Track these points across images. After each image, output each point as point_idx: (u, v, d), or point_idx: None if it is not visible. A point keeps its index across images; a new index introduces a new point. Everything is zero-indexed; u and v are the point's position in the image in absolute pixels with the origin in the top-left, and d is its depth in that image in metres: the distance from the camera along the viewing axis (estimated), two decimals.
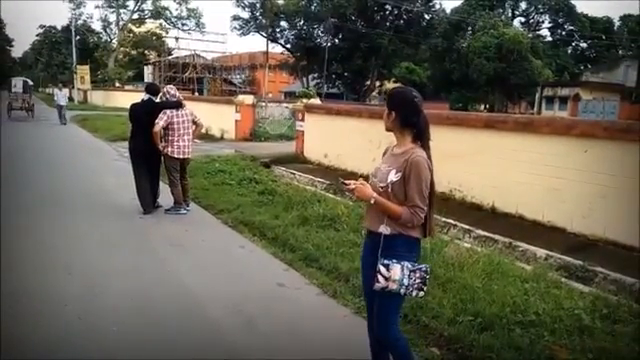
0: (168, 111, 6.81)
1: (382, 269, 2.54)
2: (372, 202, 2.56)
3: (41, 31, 58.06)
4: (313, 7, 44.08)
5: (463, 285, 4.09)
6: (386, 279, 2.53)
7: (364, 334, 2.98)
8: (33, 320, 3.67)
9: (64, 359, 3.20)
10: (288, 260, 5.11)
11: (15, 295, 4.04)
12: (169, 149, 6.89)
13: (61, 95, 23.59)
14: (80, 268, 4.74)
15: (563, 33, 46.70)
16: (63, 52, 52.78)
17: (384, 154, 2.84)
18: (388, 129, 2.83)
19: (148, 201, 6.89)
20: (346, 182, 2.66)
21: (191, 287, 4.45)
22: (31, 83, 29.05)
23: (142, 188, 6.89)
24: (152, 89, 7.21)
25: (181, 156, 6.99)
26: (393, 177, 2.58)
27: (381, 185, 2.61)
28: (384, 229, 2.60)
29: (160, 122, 6.70)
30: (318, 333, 3.70)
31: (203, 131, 8.97)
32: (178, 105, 6.93)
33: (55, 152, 13.25)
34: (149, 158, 6.86)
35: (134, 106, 7.04)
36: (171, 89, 7.17)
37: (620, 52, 47.72)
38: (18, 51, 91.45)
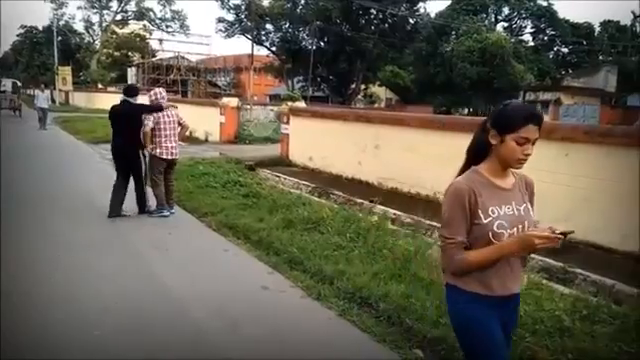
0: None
1: None
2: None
3: (22, 31, 57.27)
4: (298, 10, 44.09)
5: None
6: None
7: (348, 336, 2.99)
8: (13, 324, 3.61)
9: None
10: (272, 263, 5.10)
11: None
12: (157, 150, 6.91)
13: (42, 97, 21.26)
14: (62, 271, 4.68)
15: (545, 38, 47.34)
16: (44, 53, 52.04)
17: (466, 193, 2.03)
18: (477, 151, 2.15)
19: (116, 206, 6.73)
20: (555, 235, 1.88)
21: (175, 290, 4.42)
22: (20, 84, 31.12)
23: (115, 190, 6.80)
24: (129, 91, 7.13)
25: (169, 157, 7.02)
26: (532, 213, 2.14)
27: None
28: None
29: (149, 123, 6.78)
30: (302, 335, 3.70)
31: (187, 133, 8.93)
32: (158, 109, 6.91)
33: (36, 155, 13.05)
34: (127, 160, 6.83)
35: (113, 108, 7.02)
36: (162, 91, 7.20)
37: (600, 57, 48.53)
38: None
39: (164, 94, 7.20)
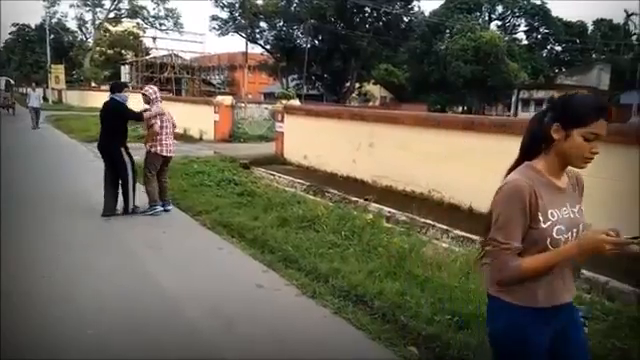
0: (157, 109, 6.93)
1: None
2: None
3: (14, 29, 56.89)
4: (292, 8, 44.03)
5: (441, 284, 4.13)
6: None
7: (343, 334, 2.99)
8: (8, 323, 3.59)
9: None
10: (267, 261, 5.09)
11: None
12: (158, 147, 6.98)
13: (34, 96, 21.01)
14: (55, 270, 4.66)
15: (538, 37, 47.59)
16: (37, 51, 51.73)
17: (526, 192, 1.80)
18: (531, 147, 1.92)
19: (109, 205, 6.72)
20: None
21: (169, 289, 4.41)
22: (13, 82, 32.44)
23: (107, 188, 6.78)
24: (114, 87, 7.10)
25: (168, 154, 7.13)
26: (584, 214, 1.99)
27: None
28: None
29: (157, 122, 6.88)
30: (297, 334, 3.70)
31: (181, 132, 8.97)
32: (139, 118, 6.95)
33: (30, 154, 12.97)
34: (111, 158, 6.80)
35: (103, 105, 7.04)
36: (155, 89, 7.23)
37: (593, 56, 48.85)
38: None
39: (157, 92, 7.19)
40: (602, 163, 5.32)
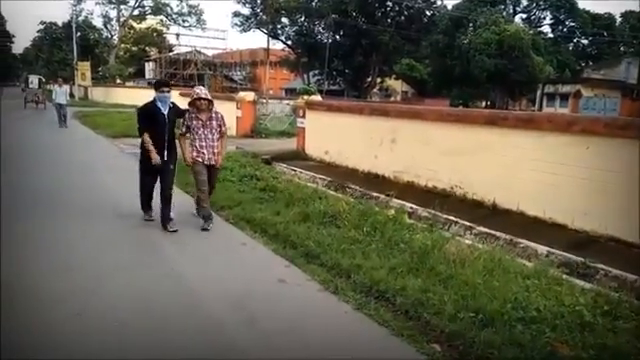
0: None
1: None
2: None
3: (42, 27, 57.96)
4: (314, 3, 43.98)
5: (464, 281, 4.10)
6: None
7: (364, 330, 2.99)
8: (32, 317, 3.68)
9: (63, 355, 3.20)
10: (289, 257, 5.11)
11: (14, 292, 4.05)
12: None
13: (60, 92, 19.81)
14: (80, 265, 4.75)
15: (564, 30, 46.61)
16: (64, 48, 52.61)
17: None
18: None
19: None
20: None
21: (192, 284, 4.46)
22: (43, 80, 36.74)
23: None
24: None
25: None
26: None
27: None
28: None
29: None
30: (319, 329, 3.71)
31: None
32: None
33: (57, 149, 13.22)
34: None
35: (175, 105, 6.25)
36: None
37: (621, 49, 47.64)
38: (19, 47, 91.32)
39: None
40: (623, 158, 5.19)
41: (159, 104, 5.95)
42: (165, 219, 6.00)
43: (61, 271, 4.57)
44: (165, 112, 5.96)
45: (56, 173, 9.59)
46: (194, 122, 6.16)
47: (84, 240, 5.56)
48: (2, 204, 6.62)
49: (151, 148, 5.87)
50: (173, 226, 5.95)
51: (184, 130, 6.21)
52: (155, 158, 5.87)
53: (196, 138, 6.17)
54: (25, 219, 6.20)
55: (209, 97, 6.21)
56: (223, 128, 6.38)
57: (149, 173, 6.14)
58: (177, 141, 6.22)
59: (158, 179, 6.17)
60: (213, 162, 6.26)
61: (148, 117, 5.97)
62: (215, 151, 6.25)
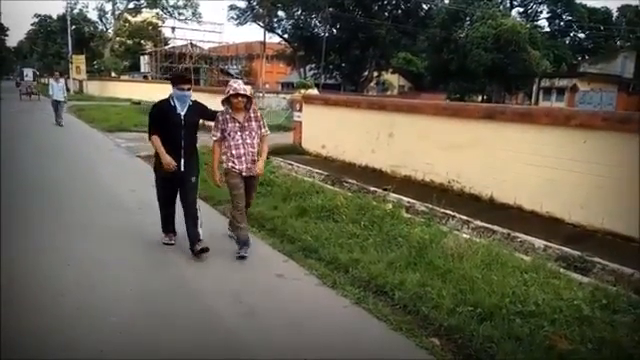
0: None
1: None
2: None
3: (36, 20, 57.58)
4: None
5: (462, 276, 4.10)
6: None
7: (363, 324, 2.99)
8: (32, 311, 3.67)
9: (63, 348, 3.19)
10: (287, 251, 5.10)
11: (13, 286, 4.03)
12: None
13: (57, 87, 17.50)
14: (78, 259, 4.72)
15: (561, 24, 46.64)
16: (59, 42, 52.35)
17: None
18: None
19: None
20: None
21: (190, 278, 4.45)
22: (38, 73, 39.16)
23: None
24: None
25: None
26: None
27: None
28: None
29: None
30: (318, 324, 3.71)
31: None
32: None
33: (52, 143, 13.14)
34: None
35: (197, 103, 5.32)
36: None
37: (618, 43, 47.70)
38: (13, 40, 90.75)
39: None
40: (621, 152, 5.19)
41: (175, 102, 4.96)
42: (194, 239, 4.96)
43: (58, 264, 4.55)
44: (182, 112, 4.94)
45: (53, 167, 9.53)
46: (229, 125, 4.98)
47: (81, 232, 5.52)
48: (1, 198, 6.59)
49: (162, 150, 4.89)
50: (200, 245, 4.91)
51: (218, 136, 5.04)
52: (167, 161, 4.85)
53: (232, 145, 4.99)
54: (22, 212, 6.17)
55: (248, 93, 5.08)
56: (264, 129, 5.20)
57: (166, 186, 5.14)
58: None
59: (178, 193, 5.15)
60: (253, 172, 5.08)
61: (160, 117, 4.97)
62: (255, 158, 5.07)
